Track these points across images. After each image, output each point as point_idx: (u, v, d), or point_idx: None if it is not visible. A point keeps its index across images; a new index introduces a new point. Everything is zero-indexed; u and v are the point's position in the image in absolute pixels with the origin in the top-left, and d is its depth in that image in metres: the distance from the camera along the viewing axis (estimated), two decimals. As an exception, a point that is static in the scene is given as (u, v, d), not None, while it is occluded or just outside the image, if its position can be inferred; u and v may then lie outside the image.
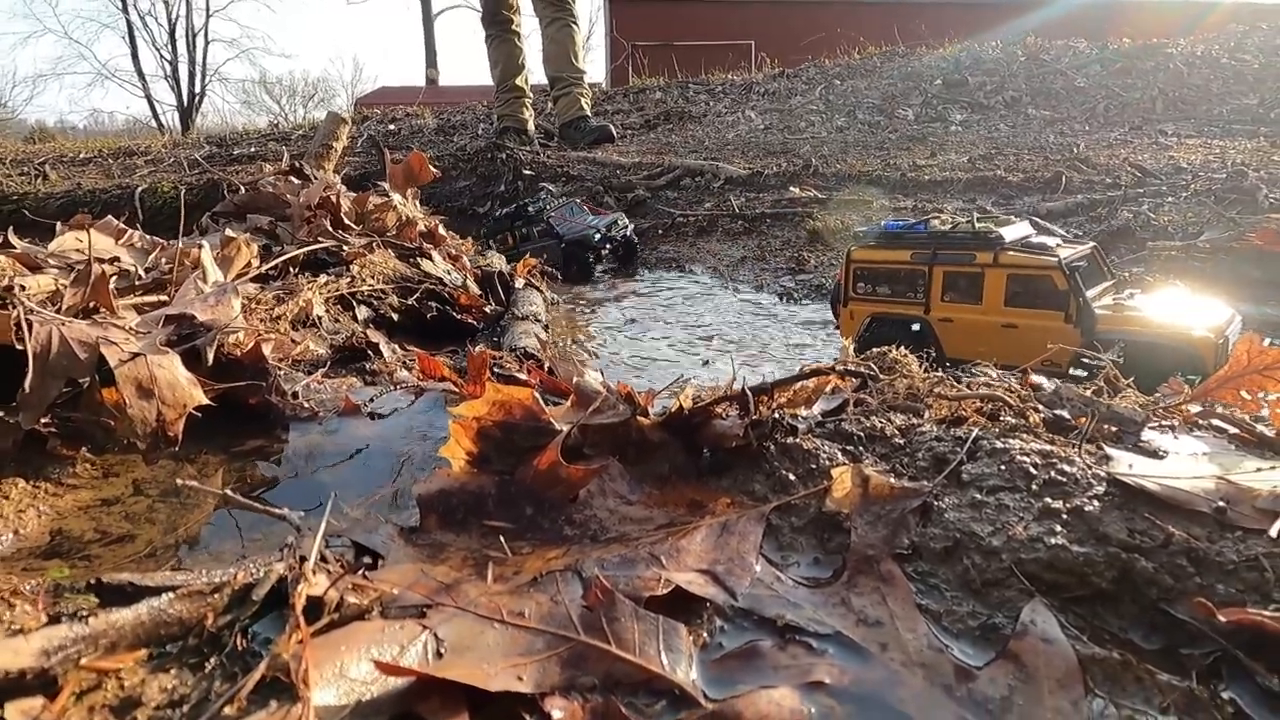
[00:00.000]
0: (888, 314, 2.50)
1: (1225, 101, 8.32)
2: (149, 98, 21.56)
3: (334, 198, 2.50)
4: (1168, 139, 7.03)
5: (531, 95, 9.51)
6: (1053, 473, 0.89)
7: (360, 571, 0.76)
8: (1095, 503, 0.83)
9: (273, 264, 2.03)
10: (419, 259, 2.71)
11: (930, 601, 0.78)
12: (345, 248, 2.36)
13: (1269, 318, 2.66)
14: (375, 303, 2.42)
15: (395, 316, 2.45)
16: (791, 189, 5.36)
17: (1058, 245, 2.33)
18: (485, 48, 9.57)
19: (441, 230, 3.04)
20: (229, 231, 2.18)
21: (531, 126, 9.09)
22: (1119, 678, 0.67)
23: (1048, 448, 0.95)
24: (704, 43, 24.66)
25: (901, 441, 1.05)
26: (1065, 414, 1.07)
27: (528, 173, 6.70)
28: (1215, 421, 1.08)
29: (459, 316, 2.59)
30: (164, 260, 1.86)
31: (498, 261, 3.35)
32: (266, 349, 1.44)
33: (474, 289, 2.84)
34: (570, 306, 3.56)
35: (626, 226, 4.39)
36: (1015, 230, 2.43)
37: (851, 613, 0.75)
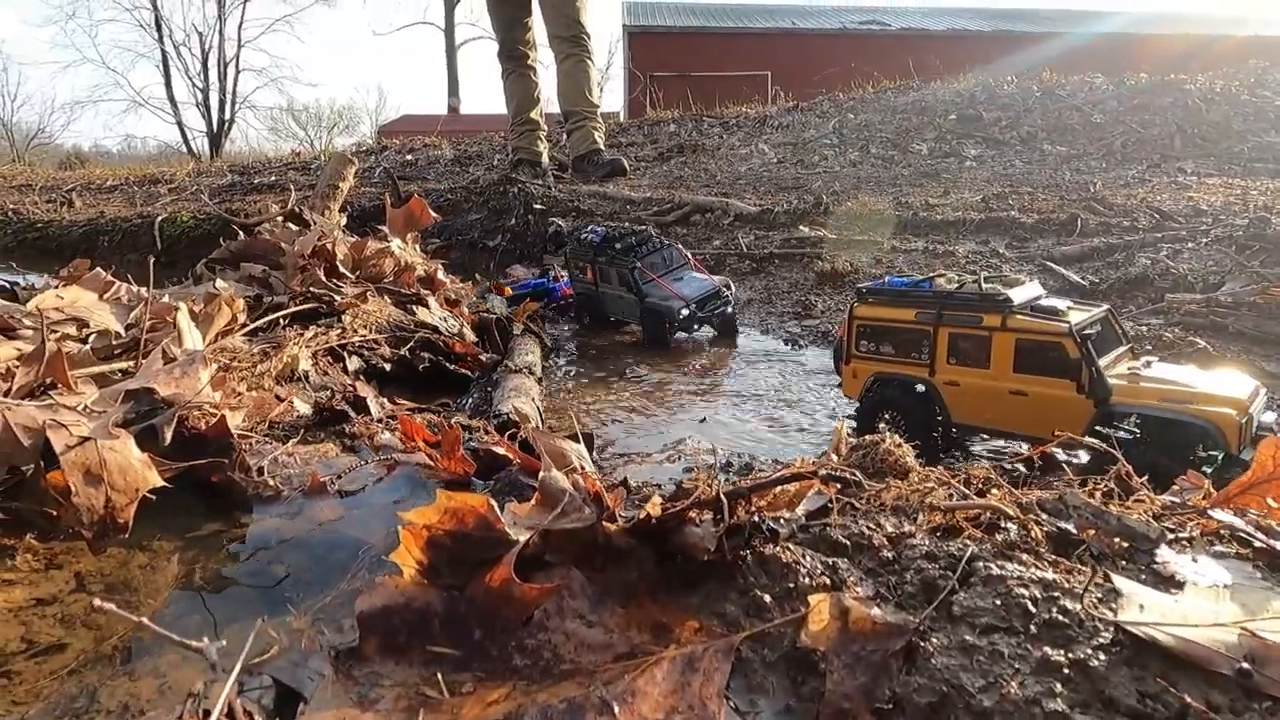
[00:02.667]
0: (892, 374, 2.42)
1: (1246, 139, 8.19)
2: (180, 124, 22.15)
3: (330, 246, 2.47)
4: (1187, 178, 6.91)
5: (546, 128, 9.60)
6: (1054, 611, 0.80)
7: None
8: (1101, 655, 0.74)
9: (259, 321, 1.99)
10: (414, 307, 2.67)
11: (912, 769, 0.69)
12: (337, 298, 2.32)
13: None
14: (366, 353, 2.37)
15: (388, 367, 2.40)
16: (801, 228, 5.31)
17: (1069, 308, 2.25)
18: (501, 81, 9.71)
19: (441, 275, 3.01)
20: (219, 283, 2.15)
21: (546, 159, 9.17)
22: None
23: (1049, 576, 0.86)
24: (720, 74, 24.95)
25: (890, 555, 0.97)
26: (1070, 527, 0.98)
27: (538, 207, 6.71)
28: (1241, 533, 0.99)
29: (452, 367, 2.53)
30: (147, 317, 1.83)
31: (499, 307, 3.32)
32: (234, 421, 1.38)
33: (470, 336, 2.79)
34: (575, 349, 3.51)
35: (728, 302, 3.64)
36: (1024, 291, 2.33)
37: (820, 786, 0.67)
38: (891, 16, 30.16)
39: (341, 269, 2.53)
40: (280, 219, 2.79)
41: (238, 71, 22.86)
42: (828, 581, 0.93)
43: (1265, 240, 3.61)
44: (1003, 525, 1.00)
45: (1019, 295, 2.27)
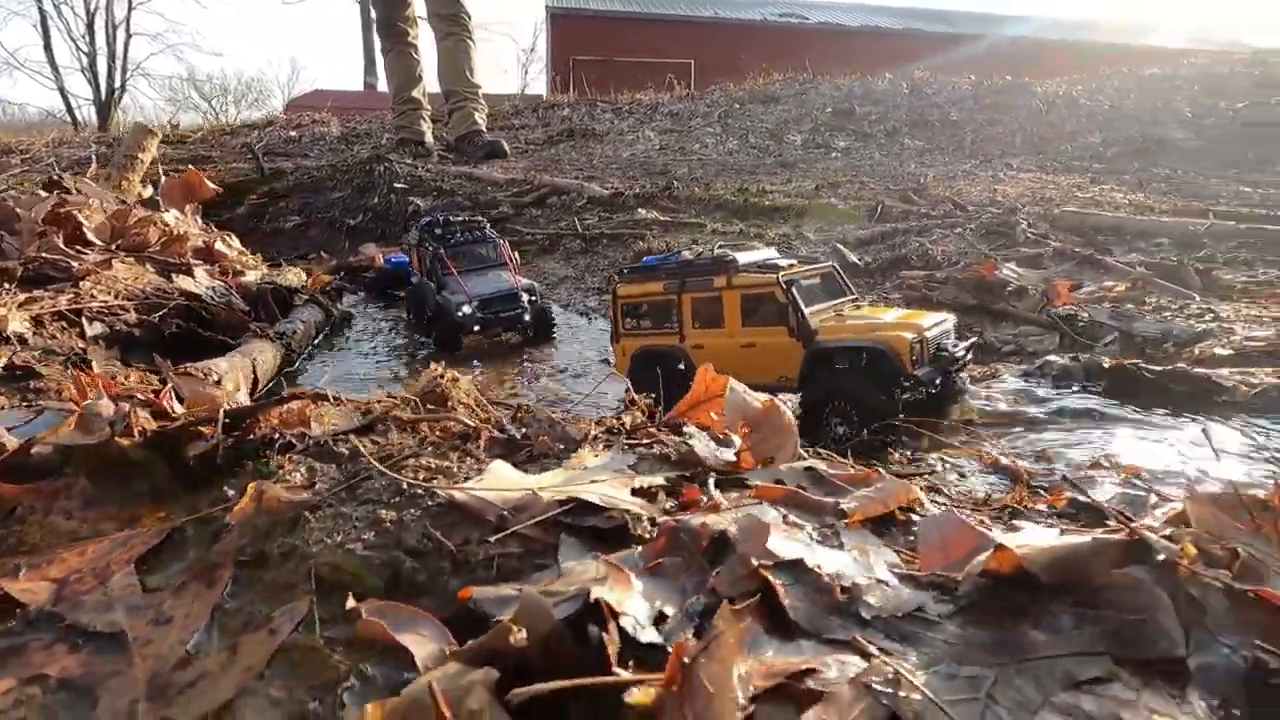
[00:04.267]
0: (651, 346, 2.57)
1: (1074, 139, 8.97)
2: (63, 91, 20.55)
3: (74, 213, 2.53)
4: (1011, 172, 7.55)
5: (429, 107, 9.54)
6: (412, 488, 1.04)
7: None
8: (414, 513, 0.98)
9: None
10: (178, 276, 2.75)
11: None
12: (75, 264, 2.39)
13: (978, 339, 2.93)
14: (109, 318, 2.45)
15: (136, 333, 2.49)
16: (640, 210, 5.57)
17: (789, 265, 2.47)
18: (380, 58, 9.56)
19: (222, 245, 3.08)
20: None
21: (430, 138, 9.13)
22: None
23: (441, 464, 1.10)
24: (644, 60, 25.08)
25: (348, 458, 1.19)
26: (515, 433, 1.23)
27: (400, 186, 6.75)
28: (659, 439, 1.26)
29: (207, 333, 2.63)
30: None
31: (293, 277, 3.41)
32: None
33: (240, 305, 2.89)
34: (366, 319, 3.65)
35: (524, 309, 3.34)
36: (753, 255, 2.55)
37: (154, 610, 0.88)
38: (811, 10, 30.99)
39: (92, 236, 2.59)
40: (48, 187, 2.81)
41: (129, 35, 21.36)
42: (300, 479, 1.15)
43: (1007, 227, 4.09)
44: (469, 432, 1.24)
45: (746, 257, 2.48)
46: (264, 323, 2.88)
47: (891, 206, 5.26)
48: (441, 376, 1.46)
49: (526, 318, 3.36)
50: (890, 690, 0.69)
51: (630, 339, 2.65)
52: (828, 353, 2.23)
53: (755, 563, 0.82)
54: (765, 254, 2.60)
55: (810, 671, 0.70)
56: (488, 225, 3.83)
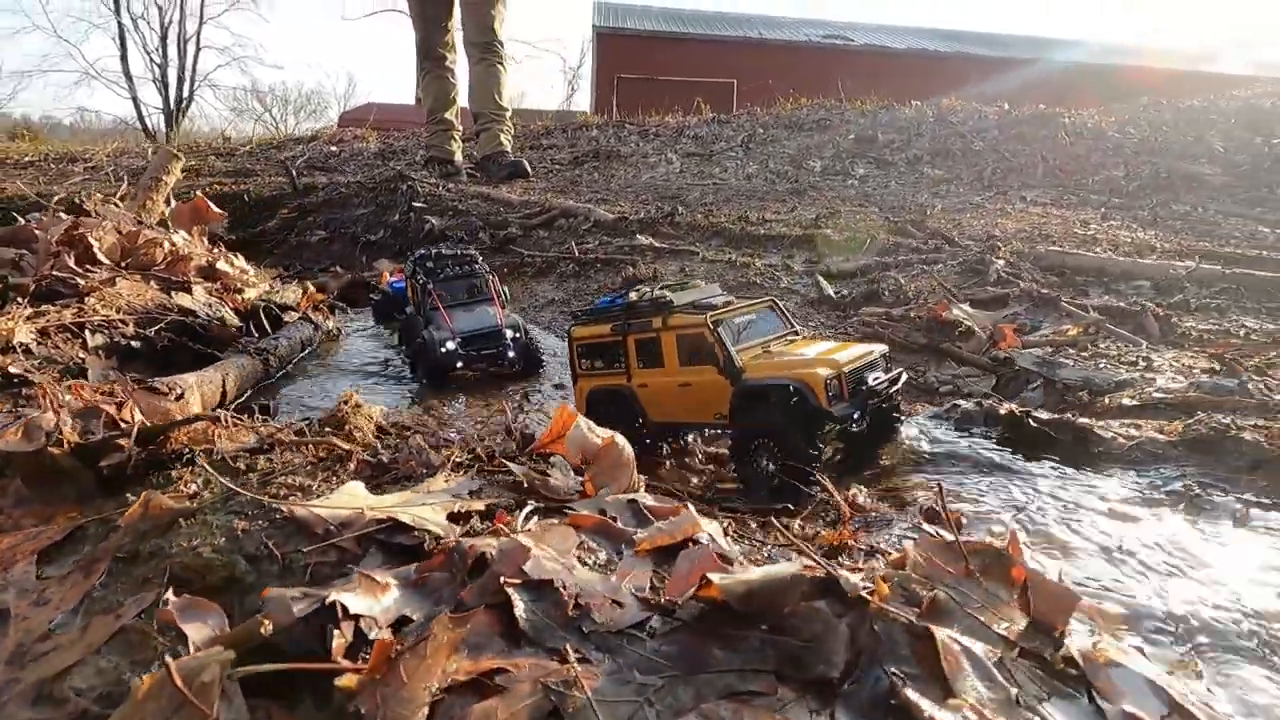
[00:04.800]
0: (603, 386, 2.61)
1: (1097, 172, 8.85)
2: (135, 100, 21.90)
3: (85, 234, 2.84)
4: (1022, 205, 7.51)
5: (460, 128, 9.95)
6: (273, 506, 1.23)
7: None
8: (260, 526, 1.17)
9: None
10: (176, 293, 3.03)
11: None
12: (81, 281, 2.69)
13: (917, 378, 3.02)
14: (110, 332, 2.74)
15: (136, 345, 2.77)
16: (639, 236, 5.76)
17: (727, 304, 2.50)
18: (417, 77, 9.99)
19: (224, 265, 3.37)
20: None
21: (459, 157, 9.52)
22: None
23: (309, 484, 1.29)
24: (686, 79, 25.46)
25: (249, 472, 1.39)
26: (385, 458, 1.42)
27: (418, 205, 7.08)
28: (500, 470, 1.43)
29: (195, 347, 2.90)
30: None
31: (290, 295, 3.69)
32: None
33: (233, 321, 3.15)
34: (358, 337, 3.90)
35: (508, 346, 3.30)
36: (693, 294, 2.60)
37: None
38: (855, 32, 31.01)
39: (101, 256, 2.90)
40: (60, 210, 3.15)
41: (198, 48, 22.68)
42: (194, 490, 1.35)
43: (982, 265, 4.15)
44: (344, 455, 1.43)
45: (685, 297, 2.54)
46: (253, 338, 3.14)
47: (884, 239, 5.34)
48: (345, 403, 1.66)
49: (510, 354, 3.32)
50: (562, 690, 0.84)
51: (586, 379, 2.71)
52: (751, 391, 2.26)
53: (502, 580, 0.98)
54: (707, 292, 2.65)
55: (501, 670, 0.86)
56: (479, 258, 3.77)
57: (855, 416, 2.21)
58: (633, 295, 2.70)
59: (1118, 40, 32.20)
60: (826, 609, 0.95)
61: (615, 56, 28.10)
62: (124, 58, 21.00)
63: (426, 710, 0.79)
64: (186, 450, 1.43)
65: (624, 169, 10.46)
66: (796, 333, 2.70)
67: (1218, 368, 2.45)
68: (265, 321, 3.29)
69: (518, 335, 3.38)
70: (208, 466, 1.34)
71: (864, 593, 0.97)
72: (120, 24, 20.49)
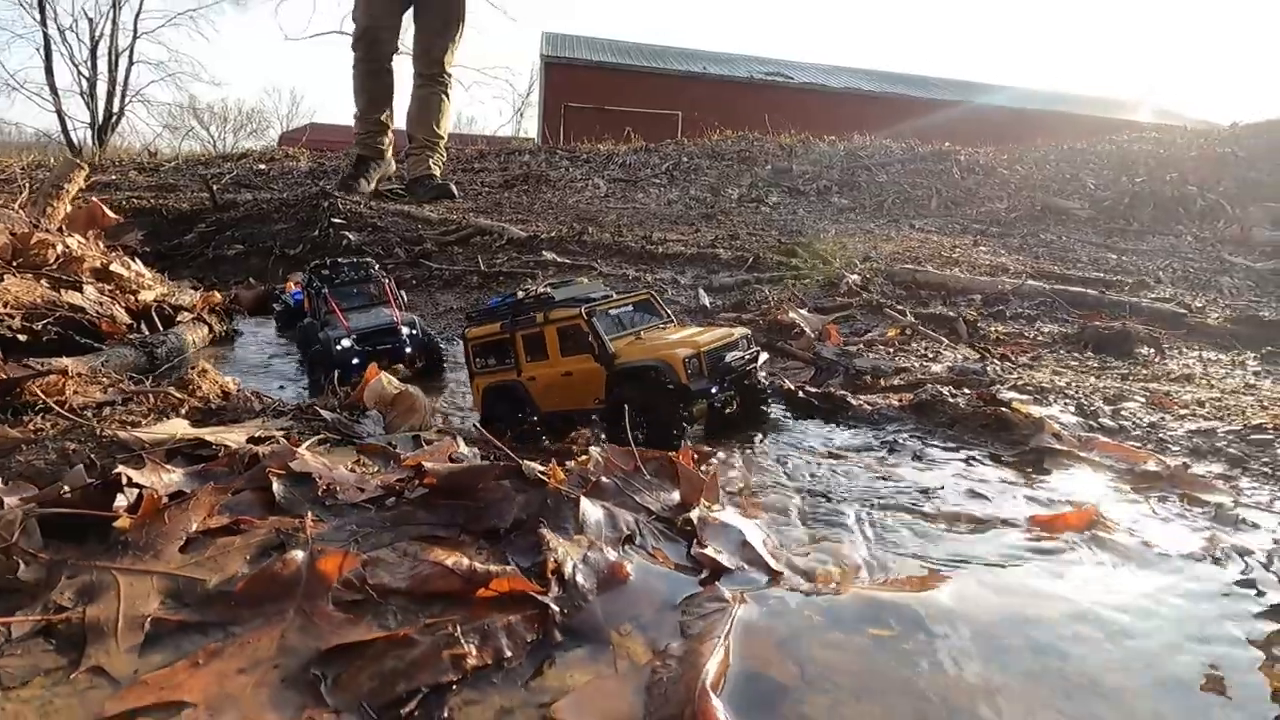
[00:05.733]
0: (497, 382, 2.66)
1: (984, 204, 9.69)
2: (60, 113, 21.29)
3: (-24, 235, 3.03)
4: (912, 231, 8.20)
5: (392, 135, 9.91)
6: (93, 435, 1.51)
7: None
8: (93, 446, 1.45)
9: None
10: (66, 290, 3.22)
11: None
12: (-32, 276, 2.87)
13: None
14: (-3, 323, 2.91)
15: (21, 338, 2.95)
16: (544, 252, 6.12)
17: (605, 297, 2.62)
18: (352, 70, 9.67)
19: (118, 267, 3.57)
20: None
21: (390, 156, 9.57)
22: None
23: (138, 420, 1.57)
24: (632, 109, 26.22)
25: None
26: (214, 405, 1.70)
27: (337, 220, 7.29)
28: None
29: (83, 341, 3.10)
30: None
31: (186, 298, 3.89)
32: None
33: (121, 318, 3.35)
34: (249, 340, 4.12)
35: (403, 342, 3.33)
36: (574, 290, 2.69)
37: None
38: (796, 70, 32.54)
39: (-8, 254, 3.08)
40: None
41: (130, 63, 22.24)
42: (37, 426, 1.61)
43: (838, 280, 4.65)
44: (178, 403, 1.71)
45: (566, 293, 2.63)
46: (143, 334, 3.35)
47: (767, 257, 5.83)
48: (194, 369, 1.94)
49: (407, 350, 3.33)
50: (290, 533, 1.16)
51: (482, 377, 2.76)
52: (622, 373, 2.41)
53: (268, 470, 1.29)
54: (588, 289, 2.77)
55: (245, 521, 1.17)
56: (375, 265, 3.84)
57: (713, 391, 2.37)
58: (519, 294, 2.77)
59: (1043, 87, 34.53)
60: (508, 486, 1.29)
61: (563, 86, 28.76)
62: (49, 70, 20.51)
63: (182, 542, 1.09)
64: (40, 402, 1.69)
65: (551, 192, 10.85)
66: (671, 321, 2.81)
67: (977, 357, 2.92)
68: (158, 321, 3.49)
69: (414, 332, 3.43)
70: (50, 403, 1.60)
71: (541, 476, 1.32)
72: (46, 35, 20.03)
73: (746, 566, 1.22)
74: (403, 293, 4.11)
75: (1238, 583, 1.27)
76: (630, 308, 2.71)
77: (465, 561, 1.05)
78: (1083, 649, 1.04)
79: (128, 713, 0.78)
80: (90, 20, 21.30)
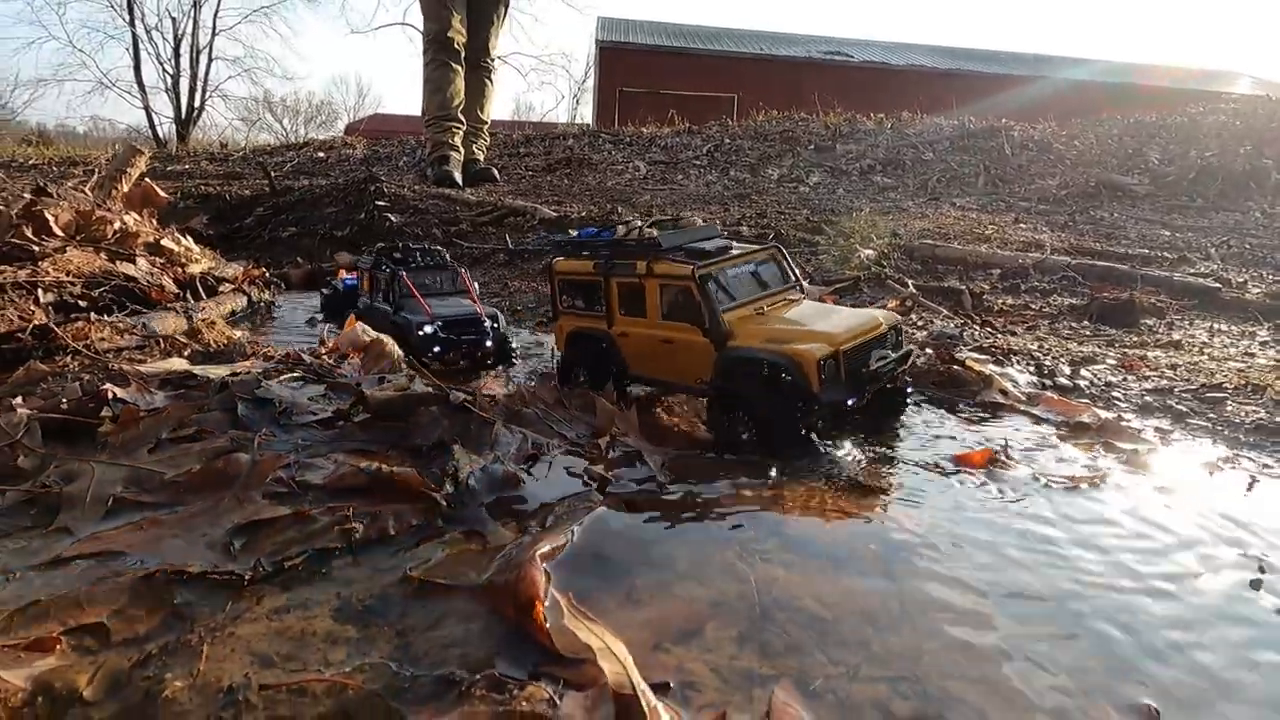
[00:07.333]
0: (584, 329, 2.26)
1: (1033, 181, 9.34)
2: (147, 109, 22.73)
3: (44, 211, 3.41)
4: (952, 209, 8.02)
5: (464, 128, 10.16)
6: (106, 369, 1.75)
7: None
8: (103, 377, 1.69)
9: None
10: (121, 262, 3.59)
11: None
12: (35, 248, 3.24)
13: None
14: (58, 290, 3.29)
15: (81, 303, 3.32)
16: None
17: (722, 250, 2.08)
18: (424, 69, 10.02)
19: (169, 242, 3.93)
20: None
21: (461, 154, 9.94)
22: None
23: (147, 359, 1.82)
24: (688, 92, 26.14)
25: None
26: (210, 349, 1.94)
27: (381, 204, 7.66)
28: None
29: (133, 306, 3.44)
30: None
31: (230, 271, 4.24)
32: None
33: (170, 287, 3.70)
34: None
35: (486, 334, 3.13)
36: (685, 235, 2.15)
37: None
38: (856, 49, 31.69)
39: (57, 229, 3.46)
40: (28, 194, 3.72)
41: (210, 60, 23.55)
42: (64, 363, 1.88)
43: (853, 254, 4.66)
44: (182, 346, 1.96)
45: (675, 239, 2.10)
46: (187, 302, 3.69)
47: (790, 234, 5.86)
48: (203, 321, 2.19)
49: (489, 344, 3.14)
50: (244, 440, 1.36)
51: (567, 318, 2.35)
52: (736, 361, 1.90)
53: (235, 395, 1.51)
54: (701, 233, 2.22)
55: (207, 432, 1.38)
56: (447, 254, 3.69)
57: (849, 403, 1.86)
58: (620, 230, 2.27)
59: (1128, 59, 32.32)
60: (436, 411, 1.46)
61: (618, 70, 28.80)
62: (137, 68, 21.90)
63: (152, 445, 1.31)
64: (70, 345, 1.96)
65: (591, 175, 11.02)
66: (796, 286, 2.28)
67: (960, 323, 2.94)
68: (202, 291, 3.83)
69: (495, 325, 3.25)
70: (74, 344, 1.87)
71: (468, 404, 1.48)
72: (135, 35, 21.41)
73: (638, 483, 1.36)
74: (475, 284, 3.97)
75: (1088, 500, 1.36)
76: (751, 265, 2.15)
77: (375, 465, 1.23)
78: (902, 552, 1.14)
79: (77, 556, 0.99)
80: (174, 19, 22.63)
